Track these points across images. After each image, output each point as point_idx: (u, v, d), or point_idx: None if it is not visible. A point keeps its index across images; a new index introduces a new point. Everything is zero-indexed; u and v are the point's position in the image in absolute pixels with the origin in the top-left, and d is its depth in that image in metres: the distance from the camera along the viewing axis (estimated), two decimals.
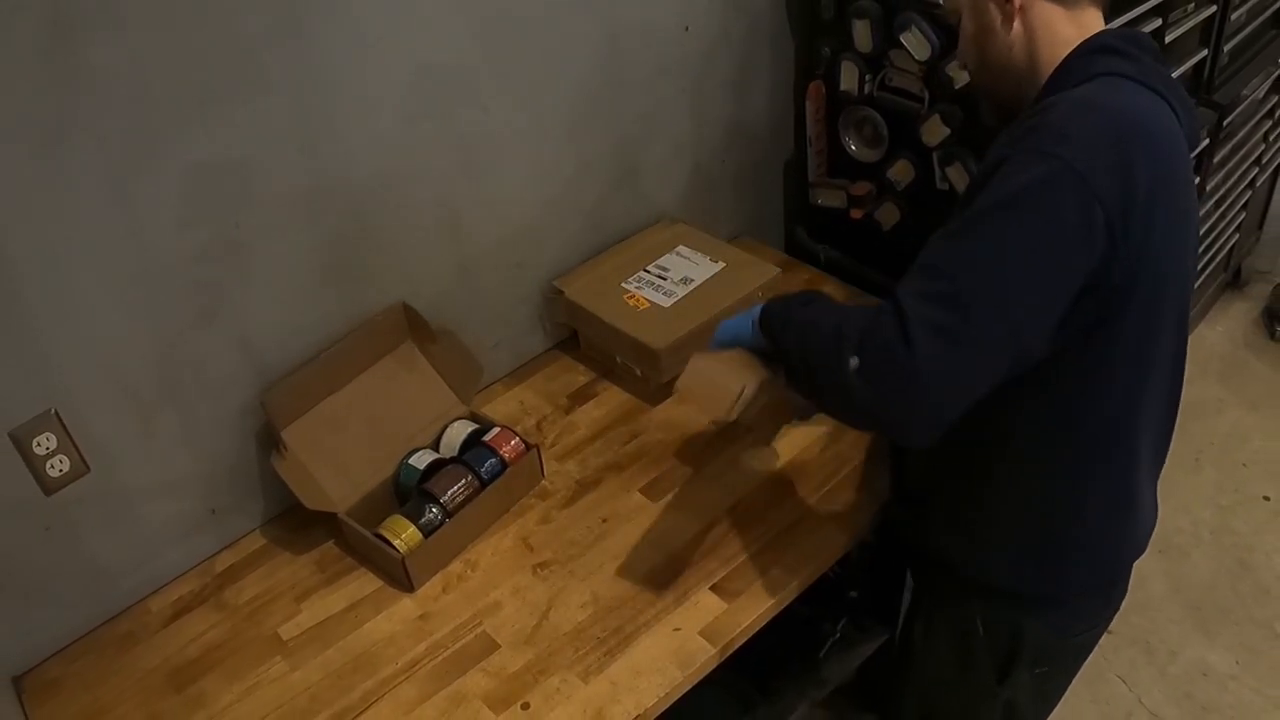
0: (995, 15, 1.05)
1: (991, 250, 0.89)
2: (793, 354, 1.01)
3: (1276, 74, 2.30)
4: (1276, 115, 2.41)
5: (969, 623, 1.22)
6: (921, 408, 0.89)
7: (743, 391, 1.06)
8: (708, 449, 1.43)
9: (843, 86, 1.65)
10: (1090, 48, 1.01)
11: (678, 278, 1.58)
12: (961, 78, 1.45)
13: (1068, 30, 1.02)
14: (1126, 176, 0.90)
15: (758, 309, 1.09)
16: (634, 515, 1.35)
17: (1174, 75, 1.06)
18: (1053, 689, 1.34)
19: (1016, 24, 1.03)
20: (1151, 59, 1.02)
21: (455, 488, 1.32)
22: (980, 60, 1.10)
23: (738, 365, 1.09)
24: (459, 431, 1.42)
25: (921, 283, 0.90)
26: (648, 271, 1.60)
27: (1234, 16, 1.98)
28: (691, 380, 1.12)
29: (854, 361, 0.90)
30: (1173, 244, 0.97)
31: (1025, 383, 0.96)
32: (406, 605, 1.27)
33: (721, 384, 1.07)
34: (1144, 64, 1.00)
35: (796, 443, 1.43)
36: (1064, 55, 1.02)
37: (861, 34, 1.54)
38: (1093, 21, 1.04)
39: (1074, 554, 1.14)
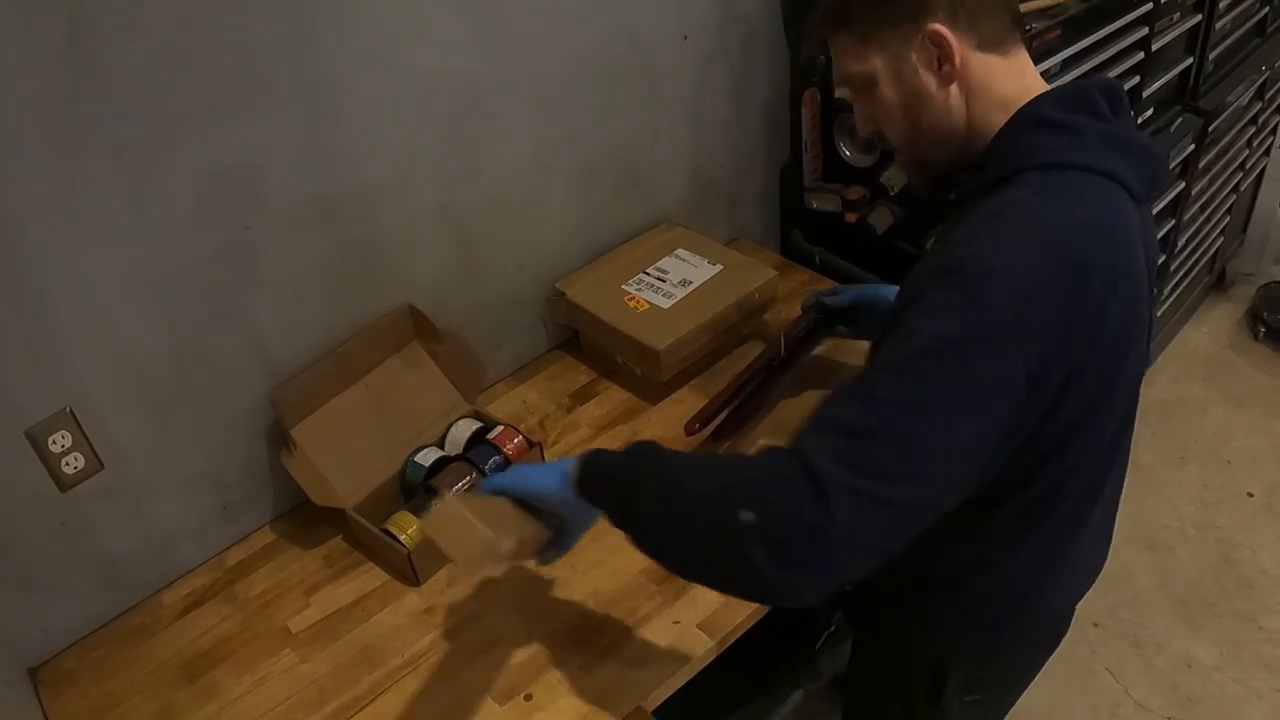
0: (929, 79, 0.91)
1: (907, 407, 0.78)
2: (651, 518, 0.84)
3: (1260, 81, 2.30)
4: (1260, 121, 2.42)
5: (903, 645, 1.18)
6: (826, 572, 0.77)
7: (495, 547, 0.90)
8: (705, 448, 1.43)
9: (837, 94, 1.65)
10: (1027, 120, 0.90)
11: (677, 280, 1.58)
12: None
13: (1006, 86, 0.92)
14: (1064, 300, 0.80)
15: (567, 464, 0.93)
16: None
17: (1134, 118, 0.97)
18: (988, 715, 1.25)
19: (954, 86, 0.91)
20: (1096, 116, 0.90)
21: (460, 484, 1.32)
22: (912, 132, 0.95)
23: (499, 517, 0.94)
24: (463, 429, 1.42)
25: (831, 439, 0.78)
26: (647, 274, 1.60)
27: (1219, 25, 1.98)
28: (440, 523, 0.95)
29: (746, 517, 0.77)
30: (1125, 333, 0.88)
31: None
32: (412, 599, 1.27)
33: (471, 535, 0.91)
34: (1085, 135, 0.88)
35: None
36: (1002, 120, 0.91)
37: None
38: (1025, 65, 0.94)
39: (999, 607, 1.07)
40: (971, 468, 0.81)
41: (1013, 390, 0.79)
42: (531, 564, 1.10)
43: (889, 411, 0.78)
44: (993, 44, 0.91)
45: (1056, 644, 1.19)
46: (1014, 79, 0.92)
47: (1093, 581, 1.15)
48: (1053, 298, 0.79)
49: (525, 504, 0.97)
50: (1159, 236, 2.12)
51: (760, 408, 1.44)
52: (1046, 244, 0.81)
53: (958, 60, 0.90)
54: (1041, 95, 0.91)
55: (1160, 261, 2.19)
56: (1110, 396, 0.90)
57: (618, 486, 0.88)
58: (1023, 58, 0.94)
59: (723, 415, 1.40)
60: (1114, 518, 1.13)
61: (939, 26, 0.89)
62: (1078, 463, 0.94)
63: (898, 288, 1.37)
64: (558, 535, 0.98)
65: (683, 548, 0.84)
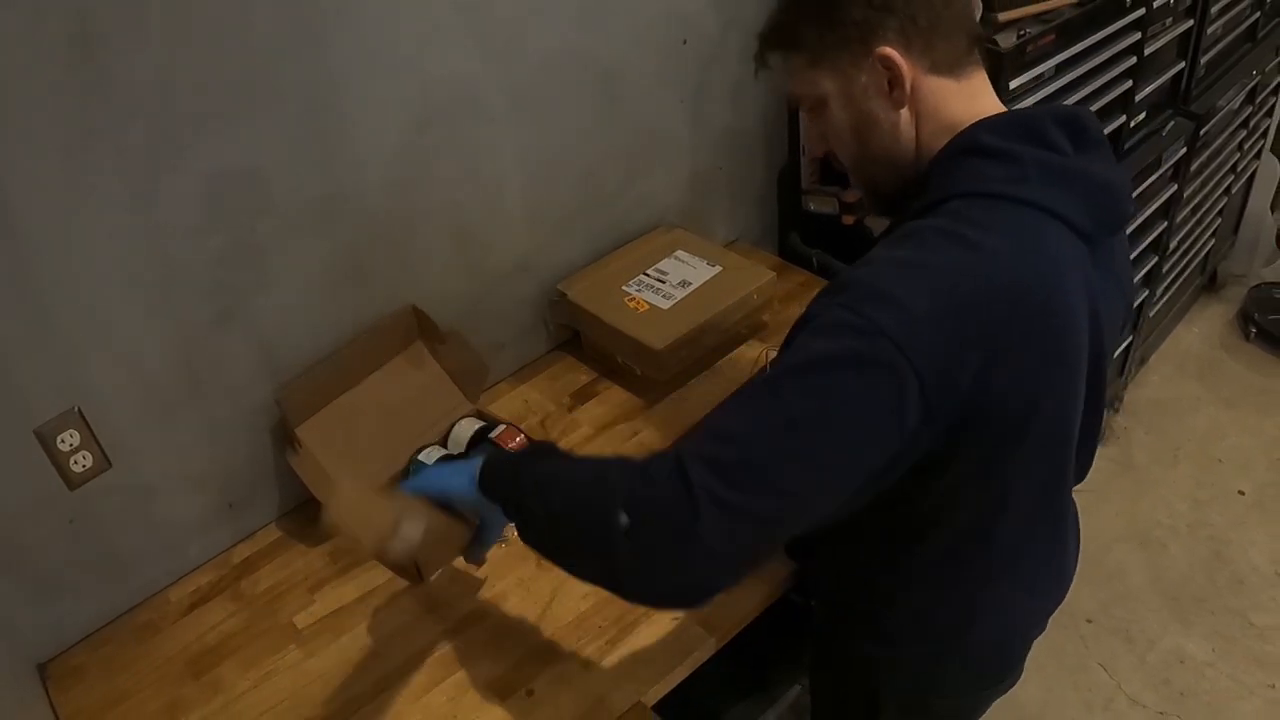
0: (879, 102, 0.88)
1: (782, 423, 0.76)
2: (533, 512, 0.85)
3: (1251, 85, 2.30)
4: (1251, 125, 2.42)
5: (842, 669, 1.17)
6: (696, 579, 0.77)
7: (399, 529, 0.91)
8: None
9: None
10: (963, 146, 0.86)
11: (676, 281, 1.58)
12: None
13: (957, 108, 0.87)
14: (953, 339, 0.76)
15: (475, 464, 0.93)
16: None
17: (1093, 142, 0.88)
18: None
19: (904, 109, 0.88)
20: (1041, 146, 0.84)
21: None
22: (861, 153, 0.92)
23: (403, 502, 0.95)
24: (466, 428, 1.42)
25: (708, 446, 0.77)
26: (647, 275, 1.60)
27: (1210, 30, 1.98)
28: (342, 510, 0.95)
29: (623, 520, 0.77)
30: (1039, 375, 0.82)
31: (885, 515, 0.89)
32: (416, 596, 1.27)
33: (377, 517, 0.93)
34: (1023, 164, 0.82)
35: None
36: (944, 143, 0.87)
37: None
38: (981, 88, 0.90)
39: (921, 643, 1.05)
40: (847, 484, 0.78)
41: (894, 414, 0.75)
42: (461, 563, 1.12)
43: (758, 425, 0.77)
44: (947, 67, 0.87)
45: (999, 683, 1.13)
46: (965, 102, 0.88)
47: (1034, 626, 1.09)
48: (941, 335, 0.75)
49: (448, 505, 0.97)
50: (1154, 237, 2.12)
51: None
52: (939, 281, 0.77)
53: (908, 84, 0.86)
54: (982, 121, 0.87)
55: (1151, 265, 2.18)
56: (1018, 444, 0.85)
57: (508, 484, 0.89)
58: (978, 79, 0.90)
59: None
60: (1059, 563, 1.07)
61: (889, 50, 0.85)
62: (980, 509, 0.90)
63: None
64: (478, 532, 1.00)
65: (562, 544, 0.86)
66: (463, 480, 0.93)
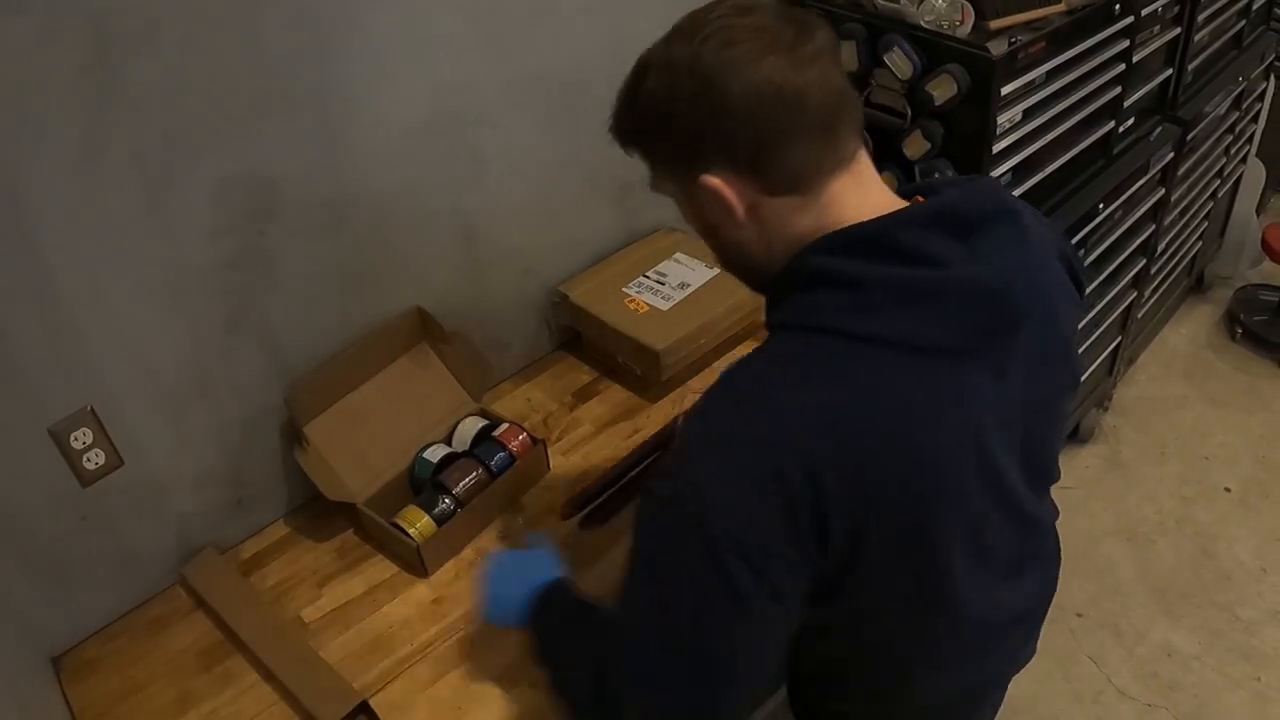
0: (722, 218, 0.80)
1: (638, 617, 0.80)
2: (546, 674, 0.93)
3: (1237, 91, 2.31)
4: (1237, 130, 2.43)
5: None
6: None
7: None
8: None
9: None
10: (802, 270, 0.78)
11: (675, 283, 1.59)
12: (941, 95, 1.45)
13: (805, 223, 0.78)
14: (775, 517, 0.72)
15: (526, 601, 0.99)
16: (634, 506, 1.35)
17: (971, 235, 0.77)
18: None
19: (748, 224, 0.80)
20: (885, 261, 0.74)
21: (467, 480, 1.32)
22: (720, 250, 0.87)
23: None
24: (470, 427, 1.42)
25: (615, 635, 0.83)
26: (647, 277, 1.61)
27: (1197, 37, 1.99)
28: None
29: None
30: (890, 529, 0.75)
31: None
32: (421, 590, 1.27)
33: None
34: (865, 288, 0.73)
35: None
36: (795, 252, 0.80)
37: (848, 54, 1.55)
38: (834, 197, 0.78)
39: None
40: (753, 668, 0.78)
41: (750, 595, 0.73)
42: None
43: (628, 617, 0.81)
44: (787, 185, 0.77)
45: None
46: (815, 216, 0.78)
47: (990, 688, 1.05)
48: (763, 514, 0.72)
49: None
50: (1142, 240, 2.13)
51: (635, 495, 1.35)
52: (751, 460, 0.72)
53: (740, 212, 0.79)
54: (819, 240, 0.77)
55: (1139, 268, 2.19)
56: (890, 591, 0.81)
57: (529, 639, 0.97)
58: (837, 185, 0.78)
59: (596, 502, 1.31)
60: (992, 640, 0.97)
61: (712, 180, 0.78)
62: (870, 640, 0.89)
63: None
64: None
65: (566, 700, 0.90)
66: (521, 611, 0.99)
